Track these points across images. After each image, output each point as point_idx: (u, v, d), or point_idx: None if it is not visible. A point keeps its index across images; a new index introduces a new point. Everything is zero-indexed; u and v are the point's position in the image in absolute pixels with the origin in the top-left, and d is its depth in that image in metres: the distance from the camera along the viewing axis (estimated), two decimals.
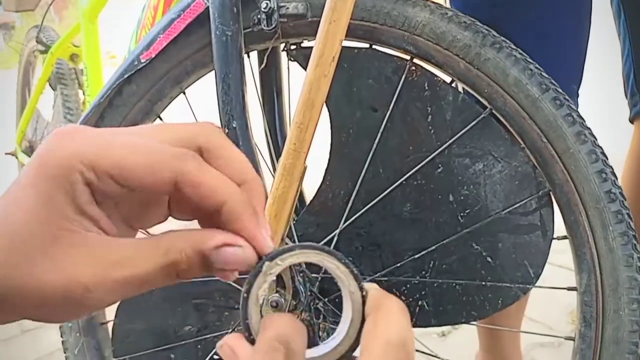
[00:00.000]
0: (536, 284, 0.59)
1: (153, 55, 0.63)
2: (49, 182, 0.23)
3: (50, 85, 1.48)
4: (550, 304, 1.24)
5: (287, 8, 0.57)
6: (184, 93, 0.68)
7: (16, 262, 0.22)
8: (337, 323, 0.63)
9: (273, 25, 0.57)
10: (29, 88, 1.85)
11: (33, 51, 1.65)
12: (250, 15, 0.59)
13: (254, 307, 0.27)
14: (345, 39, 0.56)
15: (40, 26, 1.42)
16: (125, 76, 0.64)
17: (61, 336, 0.72)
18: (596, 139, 0.52)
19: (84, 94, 1.46)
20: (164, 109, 0.69)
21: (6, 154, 1.78)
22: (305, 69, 0.62)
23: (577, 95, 0.71)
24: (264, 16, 0.57)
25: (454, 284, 0.60)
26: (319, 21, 0.54)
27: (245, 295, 0.27)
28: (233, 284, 0.67)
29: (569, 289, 0.57)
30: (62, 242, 0.23)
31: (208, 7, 0.58)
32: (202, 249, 0.24)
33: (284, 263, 0.26)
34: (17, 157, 1.74)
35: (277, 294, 0.53)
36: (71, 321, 0.71)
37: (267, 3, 0.56)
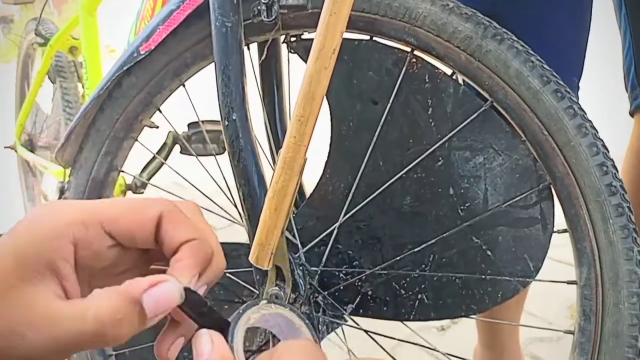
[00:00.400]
0: (536, 278, 0.59)
1: (152, 47, 0.63)
2: (32, 235, 0.26)
3: (49, 78, 1.48)
4: (550, 299, 1.25)
5: None
6: (184, 85, 0.68)
7: None
8: (337, 317, 0.63)
9: (273, 17, 0.56)
10: (27, 81, 1.84)
11: (32, 44, 1.64)
12: (250, 6, 0.58)
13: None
14: (345, 31, 0.56)
15: (39, 19, 1.41)
16: (125, 68, 0.64)
17: None
18: (597, 132, 0.51)
19: (83, 86, 1.46)
20: (163, 101, 0.69)
21: (5, 147, 1.78)
22: (305, 61, 0.62)
23: (578, 88, 0.71)
24: (264, 7, 0.57)
25: (453, 278, 0.60)
26: (320, 13, 0.54)
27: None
28: (233, 278, 0.66)
29: (569, 282, 0.57)
30: (19, 294, 0.25)
31: None
32: (134, 296, 0.25)
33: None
34: (16, 151, 1.73)
35: (276, 287, 0.53)
36: None
37: None
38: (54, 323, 0.24)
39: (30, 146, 1.69)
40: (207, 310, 0.27)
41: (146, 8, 0.87)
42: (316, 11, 0.57)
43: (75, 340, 0.24)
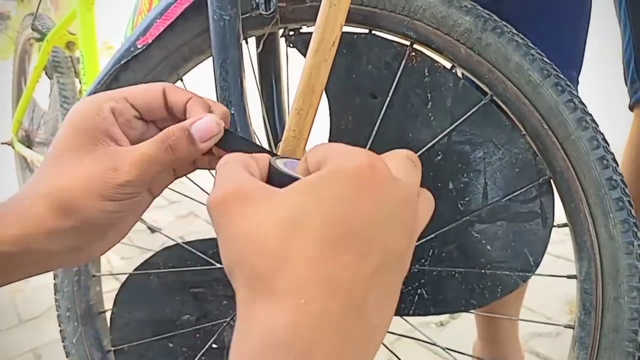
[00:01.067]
0: (536, 273, 0.59)
1: (149, 41, 0.62)
2: (81, 119, 0.36)
3: (46, 73, 1.47)
4: (549, 294, 1.25)
5: None
6: (182, 79, 0.67)
7: (58, 169, 0.35)
8: None
9: (272, 10, 0.56)
10: (24, 77, 1.84)
11: (29, 39, 1.63)
12: None
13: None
14: (344, 24, 0.55)
15: (35, 14, 1.40)
16: (122, 62, 0.63)
17: (59, 325, 0.72)
18: (597, 126, 0.51)
19: (80, 82, 1.45)
20: None
21: (2, 143, 1.77)
22: (304, 54, 0.61)
23: (577, 82, 0.71)
24: (262, 0, 0.56)
25: (453, 272, 0.60)
26: (319, 6, 0.53)
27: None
28: None
29: (569, 277, 0.57)
30: (95, 153, 0.35)
31: None
32: (185, 126, 0.36)
33: None
34: (13, 147, 1.73)
35: None
36: (71, 309, 0.71)
37: None
38: (128, 151, 0.36)
39: (28, 142, 1.69)
40: (242, 142, 0.36)
41: (143, 2, 0.86)
42: (315, 4, 0.56)
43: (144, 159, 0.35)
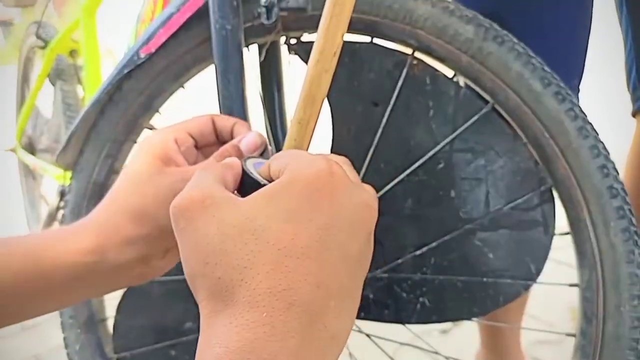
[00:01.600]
0: (537, 280, 0.59)
1: (152, 50, 0.63)
2: (151, 147, 0.42)
3: (50, 81, 1.48)
4: (552, 301, 1.24)
5: (288, 2, 0.56)
6: (184, 87, 0.68)
7: (132, 188, 0.41)
8: None
9: (273, 19, 0.56)
10: (28, 84, 1.85)
11: (32, 47, 1.64)
12: (250, 9, 0.58)
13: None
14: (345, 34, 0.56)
15: (39, 22, 1.41)
16: (125, 71, 0.64)
17: (62, 332, 0.72)
18: (598, 134, 0.51)
19: (83, 89, 1.46)
20: (163, 104, 0.69)
21: (6, 150, 1.78)
22: (306, 62, 0.62)
23: (578, 90, 0.71)
24: (264, 10, 0.57)
25: (455, 281, 0.60)
26: (320, 15, 0.54)
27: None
28: None
29: (571, 285, 0.57)
30: (163, 174, 0.41)
31: (207, 0, 0.58)
32: (235, 143, 0.44)
33: None
34: (17, 154, 1.74)
35: None
36: (74, 316, 0.71)
37: None
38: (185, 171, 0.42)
39: (31, 149, 1.70)
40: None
41: (146, 11, 0.86)
42: (317, 13, 0.56)
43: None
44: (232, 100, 0.53)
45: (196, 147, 0.46)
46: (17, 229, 2.04)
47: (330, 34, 0.39)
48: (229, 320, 0.25)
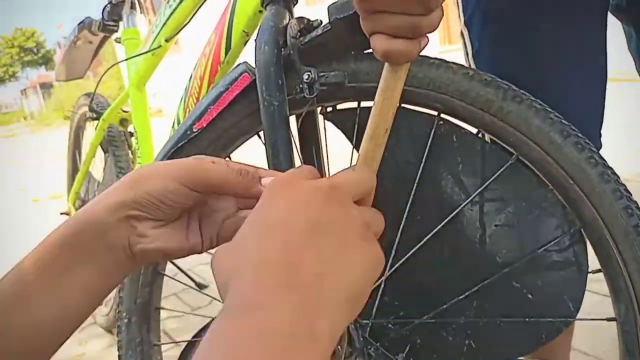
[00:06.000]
0: (577, 317, 0.62)
1: (204, 125, 0.69)
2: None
3: (102, 148, 1.59)
4: (599, 334, 1.23)
5: (327, 77, 0.62)
6: (230, 157, 0.73)
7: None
8: None
9: (315, 94, 0.61)
10: (79, 150, 1.98)
11: (85, 118, 1.77)
12: (292, 84, 0.63)
13: None
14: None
15: (92, 95, 1.54)
16: (179, 145, 0.70)
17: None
18: (619, 177, 0.55)
19: (132, 154, 1.57)
20: None
21: (61, 214, 1.90)
22: (340, 129, 0.68)
23: (600, 135, 0.75)
24: (305, 86, 0.62)
25: (498, 322, 0.63)
26: (356, 87, 0.60)
27: None
28: None
29: (609, 319, 0.60)
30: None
31: (253, 79, 0.63)
32: (259, 172, 0.45)
33: None
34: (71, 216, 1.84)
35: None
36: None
37: (308, 74, 0.61)
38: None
39: None
40: None
41: (194, 86, 0.95)
42: (352, 85, 0.62)
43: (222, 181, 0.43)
44: (282, 170, 0.59)
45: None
46: None
47: (383, 113, 0.43)
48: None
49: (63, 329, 0.43)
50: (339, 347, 0.56)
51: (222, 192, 0.45)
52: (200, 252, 0.47)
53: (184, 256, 0.46)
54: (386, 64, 0.43)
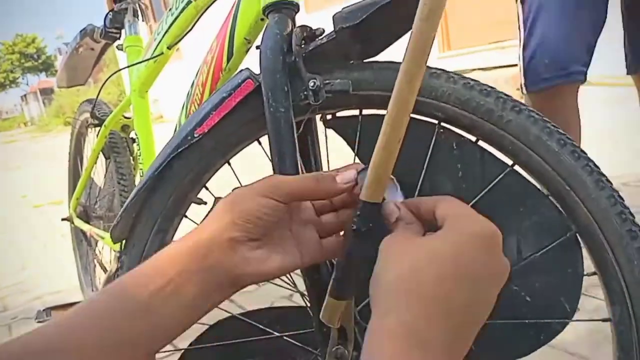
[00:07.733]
0: (573, 318, 0.64)
1: (206, 131, 0.67)
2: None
3: (103, 154, 1.60)
4: (598, 338, 1.25)
5: (332, 84, 0.62)
6: (229, 163, 0.72)
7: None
8: None
9: (320, 101, 0.62)
10: (80, 156, 1.98)
11: (85, 123, 1.78)
12: (296, 91, 0.64)
13: None
14: (377, 109, 0.63)
15: (94, 102, 1.54)
16: (179, 150, 0.67)
17: None
18: (612, 184, 0.57)
19: (134, 160, 1.58)
20: (209, 179, 0.72)
21: (62, 219, 1.90)
22: (340, 135, 0.69)
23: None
24: (311, 93, 0.62)
25: (498, 325, 0.65)
26: (360, 95, 0.61)
27: None
28: (289, 340, 0.71)
29: (604, 320, 0.62)
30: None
31: (256, 86, 0.63)
32: (333, 174, 0.50)
33: None
34: (72, 222, 1.85)
35: (340, 346, 0.58)
36: None
37: (314, 82, 0.62)
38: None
39: (86, 217, 1.81)
40: None
41: (195, 93, 0.96)
42: (355, 93, 0.63)
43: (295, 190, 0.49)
44: (287, 175, 0.59)
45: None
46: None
47: (397, 124, 0.45)
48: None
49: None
50: (346, 350, 0.57)
51: (305, 199, 0.49)
52: (300, 268, 0.51)
53: (281, 275, 0.50)
54: (400, 74, 0.44)
